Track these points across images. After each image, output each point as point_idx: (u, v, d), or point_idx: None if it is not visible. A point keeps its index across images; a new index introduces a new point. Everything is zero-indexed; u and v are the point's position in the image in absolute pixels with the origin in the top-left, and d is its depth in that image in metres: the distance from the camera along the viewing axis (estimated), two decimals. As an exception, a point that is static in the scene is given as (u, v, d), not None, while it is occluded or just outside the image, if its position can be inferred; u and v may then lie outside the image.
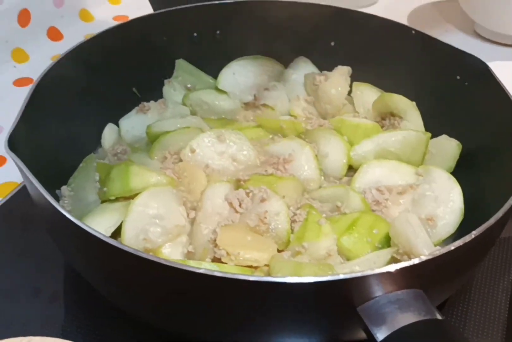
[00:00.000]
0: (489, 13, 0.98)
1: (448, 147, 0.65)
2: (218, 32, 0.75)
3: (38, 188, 0.45)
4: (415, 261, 0.40)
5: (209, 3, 0.72)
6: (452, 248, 0.41)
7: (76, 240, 0.45)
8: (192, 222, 0.55)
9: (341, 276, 0.39)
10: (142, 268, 0.41)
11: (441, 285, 0.45)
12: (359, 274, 0.39)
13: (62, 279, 0.58)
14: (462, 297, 0.58)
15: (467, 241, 0.42)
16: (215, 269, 0.43)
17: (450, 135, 0.66)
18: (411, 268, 0.40)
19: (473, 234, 0.42)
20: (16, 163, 0.47)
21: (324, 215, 0.58)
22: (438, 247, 0.52)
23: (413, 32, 0.69)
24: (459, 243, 0.42)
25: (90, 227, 0.41)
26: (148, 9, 0.99)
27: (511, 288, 0.59)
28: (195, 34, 0.74)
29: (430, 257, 0.40)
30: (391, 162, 0.64)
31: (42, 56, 0.89)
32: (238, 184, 0.60)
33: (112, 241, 0.40)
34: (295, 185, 0.61)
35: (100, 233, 0.41)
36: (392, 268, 0.39)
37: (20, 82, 0.84)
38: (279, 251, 0.53)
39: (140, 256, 0.40)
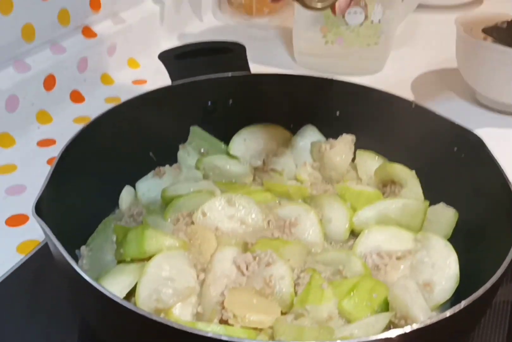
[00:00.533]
0: (489, 82, 1.03)
1: (446, 215, 0.69)
2: (230, 101, 0.80)
3: (60, 250, 0.49)
4: (407, 329, 0.43)
5: (223, 75, 0.78)
6: (442, 317, 0.45)
7: (92, 299, 0.49)
8: (202, 283, 0.59)
9: (338, 343, 0.42)
10: (153, 329, 0.44)
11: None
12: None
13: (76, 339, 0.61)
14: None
15: (456, 311, 0.45)
16: (222, 332, 0.46)
17: (448, 204, 0.70)
18: (405, 336, 0.43)
19: (463, 304, 0.46)
20: (41, 226, 0.52)
21: (326, 278, 0.62)
22: (433, 313, 0.55)
23: (413, 105, 0.74)
24: (446, 313, 0.45)
25: (105, 289, 0.45)
26: (163, 73, 1.06)
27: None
28: (209, 103, 0.79)
29: (422, 325, 0.44)
30: (391, 228, 0.68)
31: (65, 118, 0.95)
32: (245, 247, 0.64)
33: (125, 302, 0.44)
34: (300, 248, 0.64)
35: (114, 295, 0.44)
36: (386, 335, 0.43)
37: (43, 143, 0.89)
38: (282, 313, 0.56)
39: (150, 318, 0.43)
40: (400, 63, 1.22)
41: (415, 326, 0.44)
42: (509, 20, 1.08)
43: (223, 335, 0.41)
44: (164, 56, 0.82)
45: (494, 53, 0.97)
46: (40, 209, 0.53)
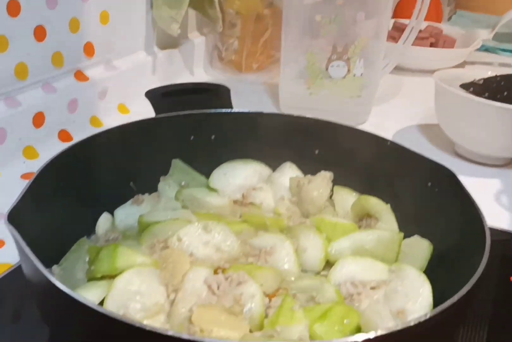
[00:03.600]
0: (467, 134, 1.07)
1: (420, 246, 0.69)
2: (212, 136, 0.82)
3: (32, 259, 0.49)
4: (371, 335, 0.43)
5: (206, 111, 0.80)
6: (412, 324, 0.44)
7: (63, 308, 0.48)
8: (172, 302, 0.58)
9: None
10: (121, 331, 0.44)
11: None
12: (318, 344, 0.42)
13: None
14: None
15: (421, 320, 0.45)
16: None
17: (422, 236, 0.70)
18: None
19: (428, 314, 0.46)
20: (13, 236, 0.52)
21: (299, 304, 0.61)
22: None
23: (389, 143, 0.77)
24: (414, 321, 0.45)
25: (79, 295, 0.45)
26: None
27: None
28: (191, 137, 0.81)
29: (386, 331, 0.43)
30: (366, 259, 0.68)
31: (51, 155, 0.95)
32: (218, 271, 0.63)
33: (100, 308, 0.44)
34: (273, 274, 0.64)
35: (90, 302, 0.44)
36: (351, 339, 0.42)
37: (27, 176, 0.90)
38: (251, 332, 0.56)
39: (117, 319, 0.43)
40: (382, 118, 1.26)
41: (379, 332, 0.43)
42: (486, 77, 1.13)
43: (183, 334, 0.41)
44: (151, 94, 0.85)
45: (470, 104, 1.01)
46: (14, 218, 0.53)
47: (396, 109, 1.34)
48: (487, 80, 1.12)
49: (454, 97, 1.04)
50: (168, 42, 1.34)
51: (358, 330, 0.58)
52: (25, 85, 0.94)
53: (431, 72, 1.18)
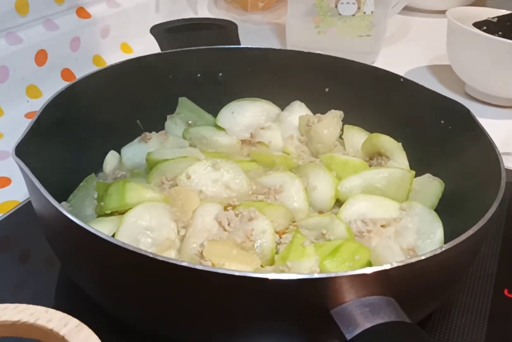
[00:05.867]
0: (478, 75, 1.04)
1: (431, 185, 0.69)
2: (220, 74, 0.80)
3: (42, 192, 0.48)
4: (387, 266, 0.43)
5: (213, 47, 0.78)
6: (423, 257, 0.44)
7: (75, 240, 0.48)
8: (182, 238, 0.58)
9: (316, 276, 0.42)
10: (134, 262, 0.44)
11: (415, 296, 0.47)
12: (333, 275, 0.42)
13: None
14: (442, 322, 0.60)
15: (437, 252, 0.45)
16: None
17: (434, 175, 0.69)
18: (382, 273, 0.42)
19: (444, 247, 0.45)
20: (21, 170, 0.51)
21: (309, 241, 0.61)
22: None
23: (401, 79, 0.75)
24: (428, 254, 0.44)
25: (92, 227, 0.44)
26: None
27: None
28: (198, 75, 0.79)
29: (401, 263, 0.43)
30: (377, 197, 0.67)
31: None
32: (228, 208, 0.63)
33: (113, 239, 0.43)
34: (284, 212, 0.64)
35: (102, 233, 0.44)
36: (366, 271, 0.42)
37: (31, 115, 0.89)
38: (262, 267, 0.56)
39: (128, 249, 0.42)
40: (391, 59, 1.23)
41: (394, 264, 0.43)
42: (500, 15, 1.10)
43: (197, 265, 0.41)
44: (156, 30, 0.83)
45: (483, 42, 0.98)
46: (21, 152, 0.52)
47: (405, 50, 1.31)
48: (501, 19, 1.09)
49: (467, 35, 1.00)
50: (172, -21, 1.29)
51: (369, 266, 0.58)
52: (26, 21, 0.92)
53: (442, 12, 1.14)
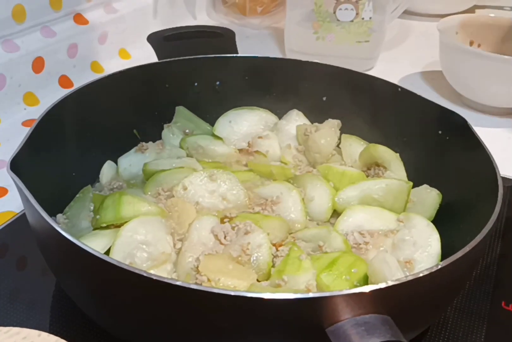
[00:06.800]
0: (473, 87, 1.04)
1: (429, 196, 0.68)
2: (217, 83, 0.80)
3: (35, 207, 0.48)
4: (382, 285, 0.42)
5: (211, 55, 0.78)
6: (420, 275, 0.44)
7: (69, 256, 0.48)
8: (179, 252, 0.58)
9: (311, 295, 0.41)
10: (128, 281, 0.43)
11: (411, 314, 0.46)
12: (328, 294, 0.41)
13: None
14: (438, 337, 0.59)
15: (433, 270, 0.44)
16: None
17: (431, 186, 0.69)
18: (378, 292, 0.42)
19: (440, 264, 0.45)
20: (16, 185, 0.50)
21: (306, 253, 0.61)
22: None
23: (399, 89, 0.74)
24: (425, 272, 0.44)
25: (84, 244, 0.44)
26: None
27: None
28: (195, 84, 0.79)
29: (397, 282, 0.43)
30: (374, 208, 0.67)
31: (52, 101, 0.94)
32: (224, 220, 0.63)
33: (106, 257, 0.43)
34: (280, 224, 0.63)
35: (95, 250, 0.43)
36: (362, 289, 0.42)
37: (28, 123, 0.89)
38: (258, 281, 0.55)
39: (125, 269, 0.42)
40: (389, 64, 1.23)
41: (390, 283, 0.43)
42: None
43: (192, 284, 0.40)
44: (153, 38, 0.82)
45: (476, 58, 0.97)
46: (16, 166, 0.52)
47: (404, 55, 1.30)
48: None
49: (458, 50, 1.00)
50: (170, -16, 1.29)
51: (366, 279, 0.58)
52: (23, 28, 0.91)
53: (440, 16, 1.14)
